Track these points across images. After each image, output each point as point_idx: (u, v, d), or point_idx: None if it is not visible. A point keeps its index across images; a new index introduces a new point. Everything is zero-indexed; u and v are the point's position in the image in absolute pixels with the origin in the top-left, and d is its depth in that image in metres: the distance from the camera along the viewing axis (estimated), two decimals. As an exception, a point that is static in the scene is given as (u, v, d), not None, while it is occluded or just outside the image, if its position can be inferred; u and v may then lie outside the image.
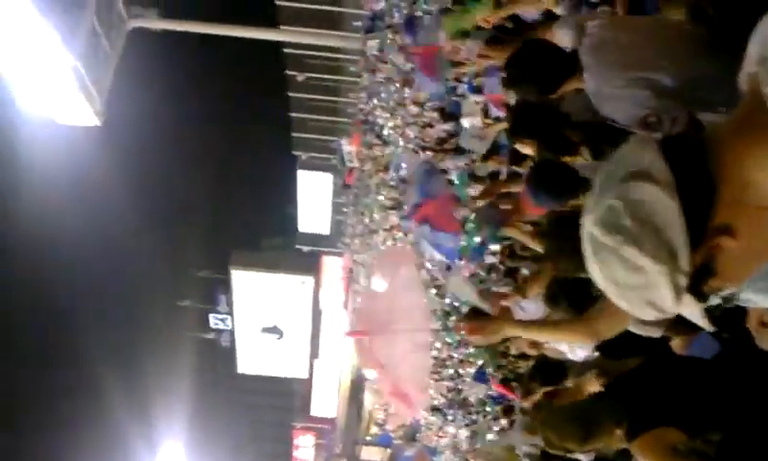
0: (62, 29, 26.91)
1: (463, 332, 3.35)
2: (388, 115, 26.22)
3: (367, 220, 33.19)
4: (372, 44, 26.01)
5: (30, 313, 50.72)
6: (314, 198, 44.20)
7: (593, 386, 3.73)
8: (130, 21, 30.22)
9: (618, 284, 1.27)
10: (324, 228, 46.61)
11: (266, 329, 52.02)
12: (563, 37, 3.76)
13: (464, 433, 16.11)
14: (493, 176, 8.51)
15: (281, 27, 31.99)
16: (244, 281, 49.81)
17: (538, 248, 5.04)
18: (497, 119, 9.19)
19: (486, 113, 10.27)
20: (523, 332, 3.14)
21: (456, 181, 11.38)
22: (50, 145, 36.86)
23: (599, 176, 1.29)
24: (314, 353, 50.62)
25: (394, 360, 3.69)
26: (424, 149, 19.18)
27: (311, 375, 51.80)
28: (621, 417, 3.02)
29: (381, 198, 27.03)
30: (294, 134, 40.23)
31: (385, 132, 27.50)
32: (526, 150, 4.69)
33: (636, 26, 3.33)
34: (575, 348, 4.73)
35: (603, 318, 2.98)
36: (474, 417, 15.22)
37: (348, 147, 30.30)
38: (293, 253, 49.53)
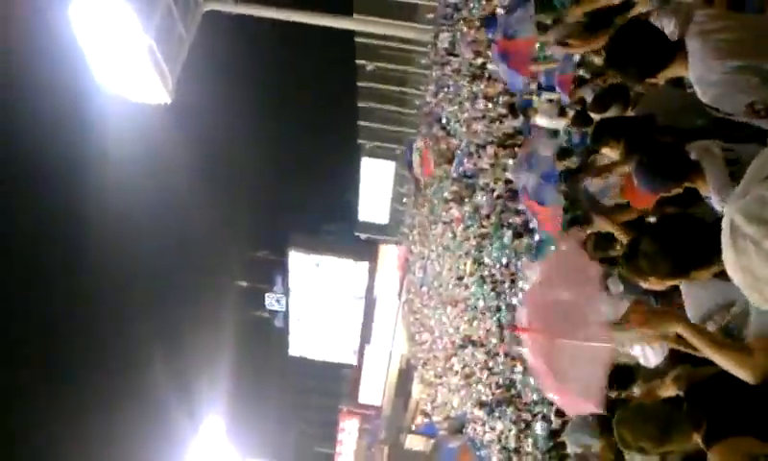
0: (140, 9, 27.78)
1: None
2: (455, 108, 26.04)
3: (426, 211, 33.03)
4: (444, 37, 25.90)
5: (92, 284, 51.87)
6: (375, 186, 44.29)
7: (669, 391, 3.66)
8: (204, 4, 30.79)
9: (754, 275, 1.25)
10: (383, 217, 46.65)
11: (319, 313, 52.43)
12: (665, 23, 3.72)
13: (512, 430, 15.90)
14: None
15: (355, 15, 32.05)
16: (301, 263, 50.32)
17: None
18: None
19: (561, 111, 10.13)
20: (691, 335, 2.98)
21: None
22: (122, 120, 37.63)
23: (752, 164, 1.26)
24: (365, 340, 50.75)
25: (565, 367, 3.60)
26: (491, 144, 19.07)
27: (361, 361, 51.95)
28: (700, 422, 2.98)
29: (444, 191, 26.85)
30: (360, 123, 40.31)
31: (451, 124, 27.31)
32: (611, 154, 4.59)
33: (744, 19, 3.30)
34: (648, 354, 4.64)
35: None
36: (524, 415, 15.02)
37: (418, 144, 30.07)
38: (351, 239, 49.67)
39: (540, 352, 3.65)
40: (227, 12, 31.35)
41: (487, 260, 18.76)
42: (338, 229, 52.58)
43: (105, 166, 45.89)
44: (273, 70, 46.95)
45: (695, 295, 3.36)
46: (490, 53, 16.61)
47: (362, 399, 53.10)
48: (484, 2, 17.54)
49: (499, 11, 13.39)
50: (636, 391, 4.95)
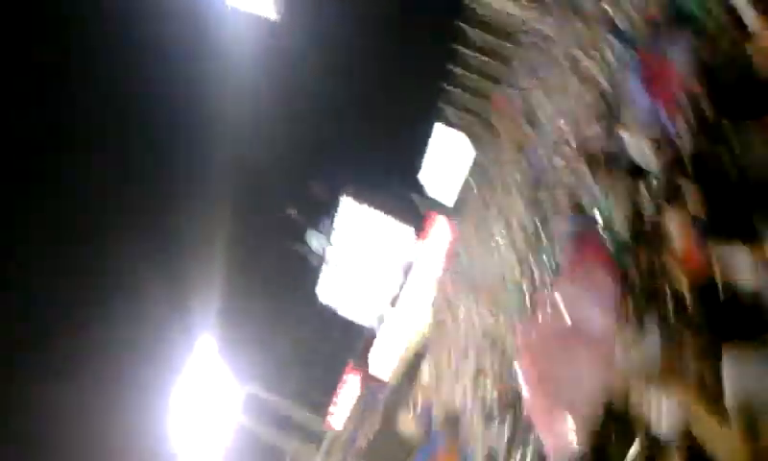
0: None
1: None
2: (545, 100, 25.45)
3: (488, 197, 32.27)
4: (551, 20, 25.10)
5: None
6: (445, 156, 42.92)
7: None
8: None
9: None
10: (447, 197, 45.14)
11: (355, 268, 51.85)
12: None
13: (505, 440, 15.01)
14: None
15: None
16: (350, 211, 49.62)
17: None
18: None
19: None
20: None
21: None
22: (227, 31, 37.81)
23: None
24: (391, 308, 50.10)
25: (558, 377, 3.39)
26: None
27: (380, 330, 51.45)
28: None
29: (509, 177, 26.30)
30: (446, 87, 39.06)
31: (538, 114, 26.64)
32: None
33: None
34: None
35: None
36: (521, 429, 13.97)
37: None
38: (407, 202, 48.58)
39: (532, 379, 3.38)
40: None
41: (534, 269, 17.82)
42: (398, 188, 51.29)
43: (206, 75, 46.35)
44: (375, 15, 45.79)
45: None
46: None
47: (372, 369, 52.65)
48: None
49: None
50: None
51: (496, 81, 35.15)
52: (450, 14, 35.08)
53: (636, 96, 8.64)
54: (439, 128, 42.01)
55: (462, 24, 34.40)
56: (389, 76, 49.53)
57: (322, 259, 53.38)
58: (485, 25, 33.52)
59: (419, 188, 46.86)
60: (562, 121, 21.38)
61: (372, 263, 51.30)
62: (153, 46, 45.55)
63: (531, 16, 28.86)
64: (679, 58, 6.45)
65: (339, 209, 50.03)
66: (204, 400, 61.73)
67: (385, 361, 54.43)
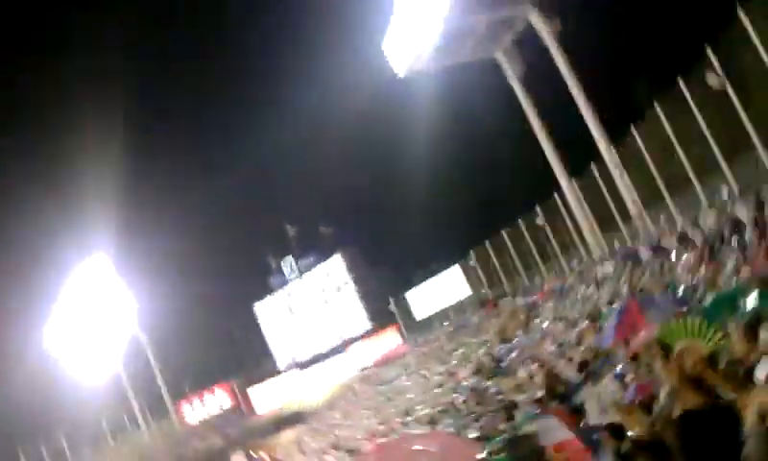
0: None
1: None
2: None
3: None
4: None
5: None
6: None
7: None
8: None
9: None
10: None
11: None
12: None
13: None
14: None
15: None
16: (333, 267, 49.98)
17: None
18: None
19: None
20: None
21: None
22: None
23: None
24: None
25: None
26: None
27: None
28: None
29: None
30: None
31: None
32: None
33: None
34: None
35: None
36: None
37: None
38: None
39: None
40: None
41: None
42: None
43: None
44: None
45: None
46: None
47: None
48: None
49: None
50: None
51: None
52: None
53: (606, 333, 9.43)
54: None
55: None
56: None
57: (281, 284, 53.81)
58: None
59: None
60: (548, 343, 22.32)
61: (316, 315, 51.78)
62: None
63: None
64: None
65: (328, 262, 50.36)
66: (93, 311, 62.81)
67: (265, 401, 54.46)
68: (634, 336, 7.99)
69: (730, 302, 7.88)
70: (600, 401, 10.92)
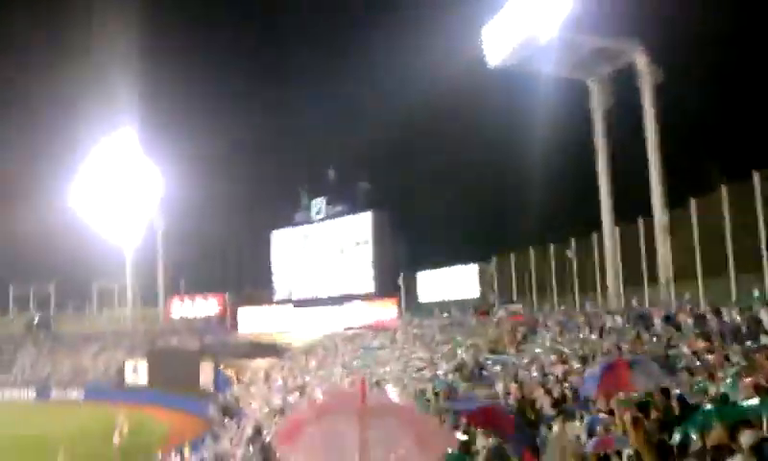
0: None
1: None
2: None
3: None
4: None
5: None
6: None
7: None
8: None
9: None
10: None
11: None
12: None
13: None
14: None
15: None
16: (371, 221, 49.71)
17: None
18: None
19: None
20: None
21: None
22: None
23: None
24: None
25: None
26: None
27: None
28: None
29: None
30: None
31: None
32: None
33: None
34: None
35: None
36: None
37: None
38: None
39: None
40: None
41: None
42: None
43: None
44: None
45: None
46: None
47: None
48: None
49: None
50: None
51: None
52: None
53: (586, 384, 9.11)
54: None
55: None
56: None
57: (305, 221, 53.60)
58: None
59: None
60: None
61: (326, 262, 51.59)
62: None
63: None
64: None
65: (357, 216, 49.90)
66: (117, 180, 64.34)
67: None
68: (615, 392, 7.73)
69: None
70: (560, 449, 10.68)
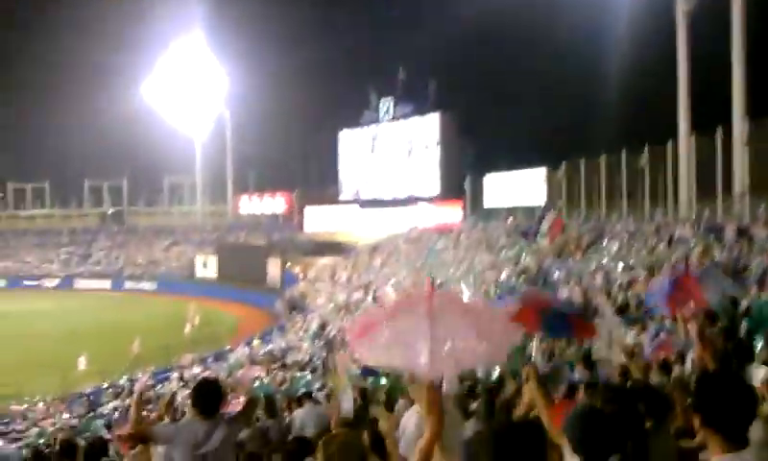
0: None
1: None
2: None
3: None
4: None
5: None
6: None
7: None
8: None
9: None
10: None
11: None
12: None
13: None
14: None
15: None
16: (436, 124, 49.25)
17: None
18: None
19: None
20: None
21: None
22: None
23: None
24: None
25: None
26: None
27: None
28: None
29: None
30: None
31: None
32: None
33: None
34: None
35: None
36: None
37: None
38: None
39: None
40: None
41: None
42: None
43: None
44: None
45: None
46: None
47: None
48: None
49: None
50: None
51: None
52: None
53: (654, 295, 8.92)
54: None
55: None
56: None
57: (373, 121, 53.32)
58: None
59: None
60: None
61: (393, 163, 51.52)
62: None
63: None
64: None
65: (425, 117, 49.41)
66: (187, 78, 65.42)
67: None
68: (685, 306, 7.49)
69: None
70: (610, 336, 10.66)
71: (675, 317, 9.94)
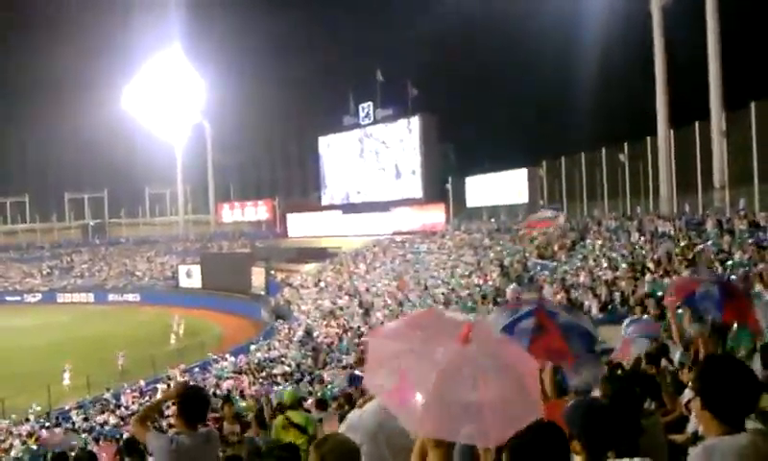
0: None
1: None
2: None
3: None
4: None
5: None
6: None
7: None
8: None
9: None
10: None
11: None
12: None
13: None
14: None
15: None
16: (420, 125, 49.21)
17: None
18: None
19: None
20: None
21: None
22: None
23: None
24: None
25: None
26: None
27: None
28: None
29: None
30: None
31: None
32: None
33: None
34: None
35: None
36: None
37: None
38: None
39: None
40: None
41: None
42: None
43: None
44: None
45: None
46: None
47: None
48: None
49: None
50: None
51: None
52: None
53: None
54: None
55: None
56: None
57: (353, 125, 53.22)
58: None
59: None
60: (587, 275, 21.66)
61: (374, 166, 51.53)
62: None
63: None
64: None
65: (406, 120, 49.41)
66: (166, 88, 65.38)
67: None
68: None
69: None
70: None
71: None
